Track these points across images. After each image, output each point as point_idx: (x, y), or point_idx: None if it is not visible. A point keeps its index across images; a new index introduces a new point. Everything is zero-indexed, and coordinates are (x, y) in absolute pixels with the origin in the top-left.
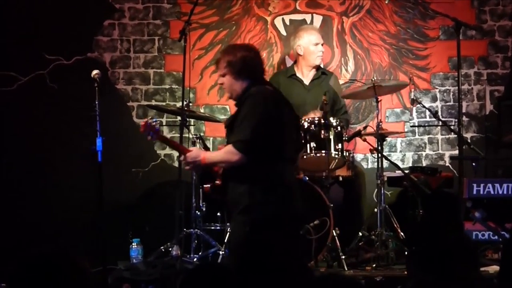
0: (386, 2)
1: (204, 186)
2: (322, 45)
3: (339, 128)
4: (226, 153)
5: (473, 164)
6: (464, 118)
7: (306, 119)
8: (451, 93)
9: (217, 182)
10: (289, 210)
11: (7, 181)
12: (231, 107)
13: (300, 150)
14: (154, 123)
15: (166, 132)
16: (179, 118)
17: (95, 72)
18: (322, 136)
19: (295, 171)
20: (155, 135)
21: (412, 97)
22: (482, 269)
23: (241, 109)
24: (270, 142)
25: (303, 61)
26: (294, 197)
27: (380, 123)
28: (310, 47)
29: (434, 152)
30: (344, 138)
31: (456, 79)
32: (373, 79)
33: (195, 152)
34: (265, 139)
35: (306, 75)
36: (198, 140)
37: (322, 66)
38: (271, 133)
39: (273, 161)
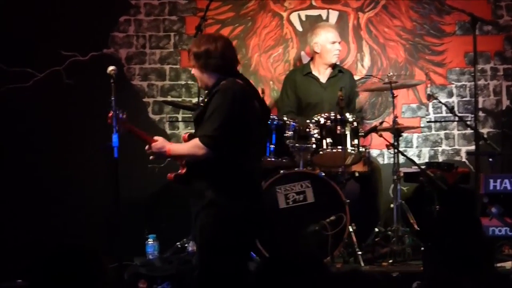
0: None
1: (168, 175)
2: (339, 43)
3: (355, 123)
4: (193, 147)
5: (490, 159)
6: (481, 114)
7: (322, 115)
8: (468, 89)
9: (181, 171)
10: (255, 205)
11: (21, 178)
12: None
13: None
14: (121, 114)
15: (182, 128)
16: None
17: (111, 68)
18: (338, 131)
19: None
20: (122, 126)
21: (428, 92)
22: (498, 264)
23: (209, 103)
24: (237, 138)
25: (319, 59)
26: (259, 193)
27: (396, 119)
28: (327, 45)
29: (450, 148)
30: (360, 134)
31: (473, 74)
32: (389, 75)
33: (161, 142)
34: (232, 135)
35: (322, 73)
36: None
37: (338, 63)
38: (238, 130)
39: (240, 156)
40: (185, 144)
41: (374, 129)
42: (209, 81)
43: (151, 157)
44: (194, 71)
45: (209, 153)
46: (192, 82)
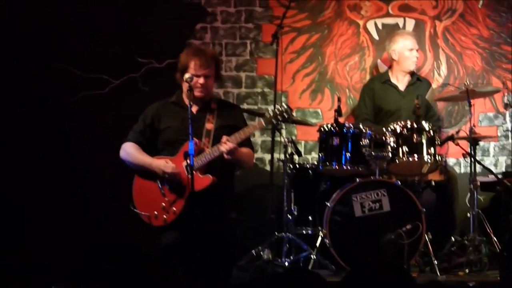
0: (480, 6)
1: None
2: (417, 50)
3: (431, 132)
4: (251, 157)
5: None
6: None
7: (399, 123)
8: None
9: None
10: None
11: (103, 183)
12: (323, 110)
13: None
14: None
15: (258, 136)
16: None
17: (187, 75)
18: (414, 140)
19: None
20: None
21: (505, 101)
22: None
23: (237, 116)
24: None
25: (397, 66)
26: None
27: (473, 127)
28: (405, 52)
29: None
30: (436, 143)
31: None
32: (466, 83)
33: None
34: None
35: (401, 81)
36: (290, 144)
37: (415, 71)
38: None
39: None
40: (243, 150)
41: (451, 138)
42: (212, 90)
43: (227, 157)
44: (209, 80)
45: None
46: (269, 90)
